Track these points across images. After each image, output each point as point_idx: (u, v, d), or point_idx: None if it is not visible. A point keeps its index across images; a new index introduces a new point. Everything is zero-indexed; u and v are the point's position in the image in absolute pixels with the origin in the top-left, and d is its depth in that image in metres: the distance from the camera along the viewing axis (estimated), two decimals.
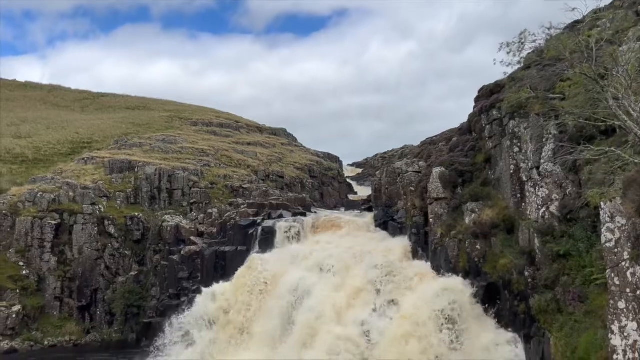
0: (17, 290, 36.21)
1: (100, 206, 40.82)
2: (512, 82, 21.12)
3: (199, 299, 28.53)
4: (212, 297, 27.84)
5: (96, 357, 32.68)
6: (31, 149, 52.47)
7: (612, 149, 12.83)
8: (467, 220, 21.58)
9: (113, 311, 38.08)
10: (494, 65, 16.93)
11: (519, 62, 17.31)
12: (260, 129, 69.11)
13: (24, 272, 37.39)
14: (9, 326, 34.95)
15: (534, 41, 16.52)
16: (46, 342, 35.44)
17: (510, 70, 18.91)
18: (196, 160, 49.68)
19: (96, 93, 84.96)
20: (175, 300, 32.85)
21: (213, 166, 49.59)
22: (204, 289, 28.97)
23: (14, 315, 35.19)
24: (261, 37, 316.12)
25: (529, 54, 18.09)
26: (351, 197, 55.17)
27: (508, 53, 16.12)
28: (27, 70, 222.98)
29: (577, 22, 19.44)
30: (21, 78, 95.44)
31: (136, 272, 39.22)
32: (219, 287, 28.33)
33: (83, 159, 48.28)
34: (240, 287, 27.31)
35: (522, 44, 15.96)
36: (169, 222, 40.16)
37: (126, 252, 40.21)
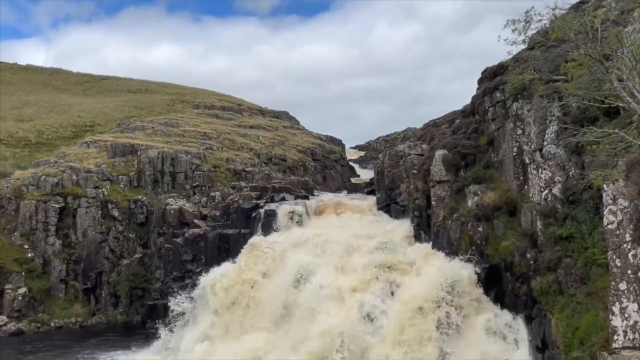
0: (23, 273, 36.59)
1: (103, 189, 40.98)
2: (515, 64, 20.95)
3: (202, 281, 28.74)
4: (215, 280, 28.03)
5: (102, 338, 33.14)
6: (34, 133, 52.53)
7: (616, 130, 12.77)
8: (469, 203, 21.60)
9: (118, 293, 38.47)
10: (498, 42, 16.71)
11: (523, 42, 17.11)
12: (262, 112, 68.91)
13: (29, 255, 37.73)
14: (15, 308, 35.40)
15: (539, 20, 16.31)
16: (52, 324, 35.91)
17: (514, 50, 18.71)
18: (198, 143, 49.68)
19: (98, 76, 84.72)
20: (180, 282, 33.09)
21: (215, 149, 49.59)
22: (207, 271, 29.18)
23: (20, 298, 35.61)
24: (266, 19, 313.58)
25: (533, 34, 17.90)
26: (354, 180, 55.18)
27: (513, 31, 15.90)
28: (31, 53, 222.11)
29: (582, 2, 19.25)
30: (25, 61, 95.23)
31: (140, 255, 39.53)
32: (222, 269, 28.50)
33: (86, 142, 48.34)
34: (243, 269, 27.48)
35: (528, 22, 15.75)
36: (172, 205, 40.34)
37: (130, 235, 40.46)
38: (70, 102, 64.02)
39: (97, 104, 63.84)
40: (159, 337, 28.47)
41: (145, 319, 35.56)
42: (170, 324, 28.45)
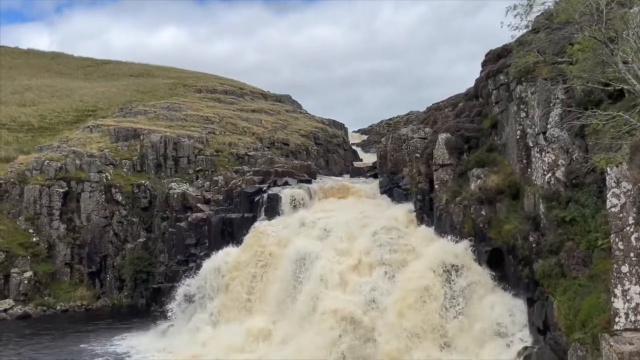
0: (28, 257, 36.92)
1: (106, 174, 41.10)
2: (520, 47, 20.75)
3: (205, 265, 28.96)
4: (219, 264, 28.24)
5: (108, 321, 33.49)
6: (36, 117, 52.55)
7: (620, 113, 12.71)
8: (472, 186, 21.61)
9: (122, 277, 38.80)
10: (501, 28, 16.56)
11: (526, 26, 16.95)
12: (264, 96, 68.65)
13: (34, 239, 38.02)
14: (22, 292, 35.78)
15: (543, 3, 16.15)
16: (58, 307, 36.31)
17: (518, 34, 18.57)
18: (201, 127, 49.61)
19: (100, 60, 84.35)
20: (183, 266, 33.36)
21: (218, 134, 49.53)
22: (211, 255, 29.38)
23: (25, 281, 35.96)
24: (270, 1, 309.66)
25: (537, 17, 17.71)
26: (356, 164, 55.11)
27: (515, 16, 15.77)
28: (35, 37, 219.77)
29: None
30: (29, 45, 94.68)
31: (144, 239, 39.77)
32: (226, 253, 28.70)
33: (88, 127, 48.33)
34: (247, 253, 27.66)
35: (530, 6, 15.60)
36: (175, 189, 40.46)
37: (134, 219, 40.67)
38: (72, 87, 63.88)
39: (99, 88, 63.69)
40: (163, 320, 28.77)
41: (150, 302, 35.92)
42: (173, 308, 28.73)
